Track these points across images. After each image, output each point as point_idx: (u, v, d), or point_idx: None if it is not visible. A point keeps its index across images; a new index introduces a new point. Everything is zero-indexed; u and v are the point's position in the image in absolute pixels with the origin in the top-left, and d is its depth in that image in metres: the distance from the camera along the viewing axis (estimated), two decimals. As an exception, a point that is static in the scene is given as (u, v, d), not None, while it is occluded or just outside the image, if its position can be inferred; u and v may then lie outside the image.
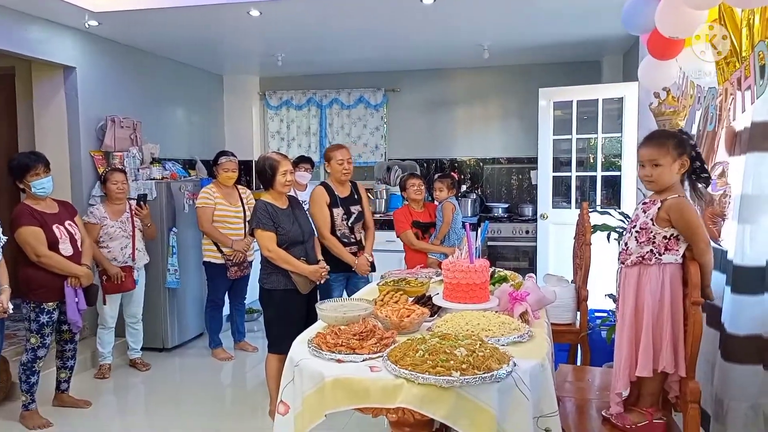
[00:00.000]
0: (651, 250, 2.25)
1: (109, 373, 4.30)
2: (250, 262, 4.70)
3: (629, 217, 3.37)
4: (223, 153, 4.70)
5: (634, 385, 2.39)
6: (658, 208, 2.24)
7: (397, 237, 4.29)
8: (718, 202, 2.58)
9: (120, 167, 4.55)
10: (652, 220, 2.25)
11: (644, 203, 2.34)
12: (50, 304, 3.46)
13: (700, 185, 2.30)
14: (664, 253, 2.24)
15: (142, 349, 4.58)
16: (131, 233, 4.23)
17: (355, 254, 3.81)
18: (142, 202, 4.34)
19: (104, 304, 4.17)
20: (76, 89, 4.67)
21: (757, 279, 2.30)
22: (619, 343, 2.36)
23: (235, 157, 4.72)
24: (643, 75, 3.03)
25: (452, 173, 4.86)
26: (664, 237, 2.24)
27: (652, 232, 2.25)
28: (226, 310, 4.86)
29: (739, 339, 2.32)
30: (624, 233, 2.49)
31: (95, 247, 4.01)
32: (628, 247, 2.34)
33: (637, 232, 2.29)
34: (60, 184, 4.31)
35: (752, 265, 2.29)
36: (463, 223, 3.99)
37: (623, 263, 2.36)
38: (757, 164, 2.27)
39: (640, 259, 2.27)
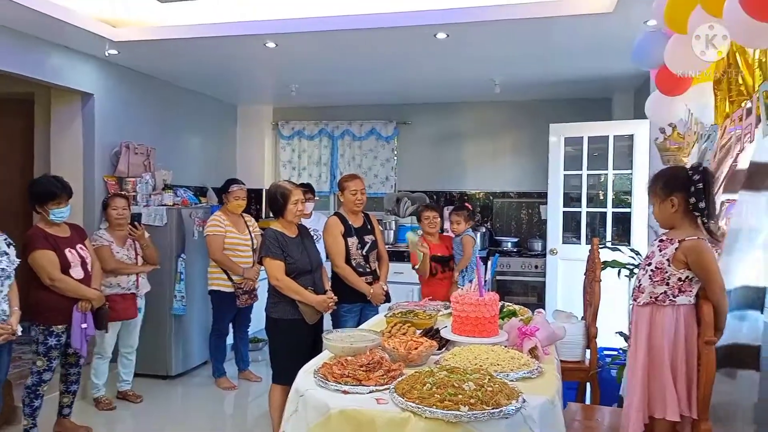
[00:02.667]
0: (665, 292, 2.23)
1: (113, 404, 4.19)
2: (256, 291, 4.68)
3: (640, 255, 3.34)
4: (233, 181, 4.72)
5: (647, 427, 2.33)
6: (675, 248, 2.21)
7: (413, 269, 4.24)
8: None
9: (121, 192, 4.52)
10: (668, 260, 2.22)
11: (660, 240, 2.31)
12: (59, 327, 3.45)
13: (705, 221, 2.28)
14: (678, 295, 2.21)
15: (146, 375, 4.52)
16: (135, 260, 4.19)
17: (370, 284, 3.78)
18: (136, 222, 4.25)
19: (106, 332, 3.98)
20: (93, 115, 4.75)
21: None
22: (631, 385, 2.31)
23: (244, 185, 4.75)
24: (651, 110, 3.05)
25: (466, 204, 4.78)
26: (679, 279, 2.21)
27: (667, 272, 2.22)
28: (230, 338, 4.83)
29: None
30: (638, 269, 2.47)
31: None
32: (641, 284, 2.31)
33: (652, 270, 2.27)
34: (73, 208, 4.33)
35: None
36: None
37: (635, 300, 2.33)
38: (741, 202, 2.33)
39: (654, 300, 2.25)
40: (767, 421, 2.49)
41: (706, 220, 2.26)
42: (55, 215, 3.44)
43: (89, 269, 3.60)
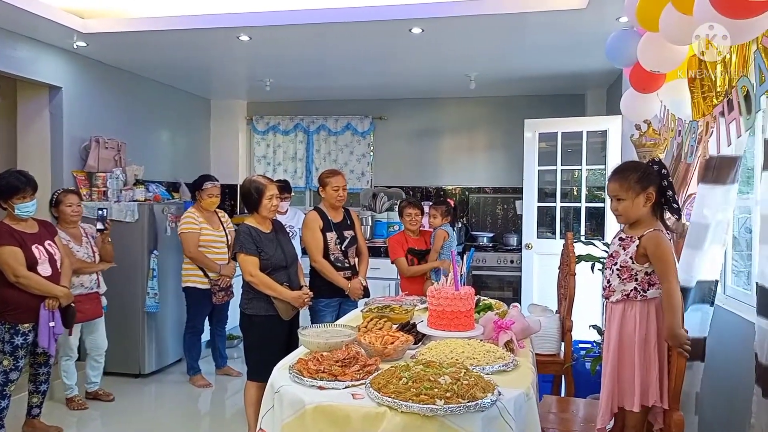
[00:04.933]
0: (635, 288, 2.26)
1: (87, 403, 4.09)
2: (232, 287, 4.62)
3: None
4: (207, 177, 4.62)
5: (618, 417, 2.37)
6: (636, 246, 2.24)
7: (392, 263, 4.25)
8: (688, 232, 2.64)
9: (72, 189, 4.33)
10: (631, 258, 2.25)
11: (621, 239, 2.34)
12: (26, 325, 3.37)
13: (671, 216, 2.32)
14: (648, 289, 2.25)
15: (118, 374, 4.43)
16: (93, 258, 4.05)
17: (349, 279, 3.76)
18: (109, 220, 4.20)
19: (69, 335, 3.84)
20: (62, 109, 4.64)
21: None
22: (602, 377, 2.36)
23: (218, 181, 4.68)
24: (625, 107, 3.08)
25: (448, 200, 4.77)
26: (646, 273, 2.25)
27: (633, 269, 2.26)
28: (205, 335, 4.76)
29: None
30: (604, 268, 2.50)
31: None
32: (610, 284, 2.33)
33: (618, 269, 2.30)
34: (40, 204, 4.23)
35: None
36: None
37: (607, 299, 2.36)
38: (704, 195, 2.43)
39: (625, 296, 2.28)
40: (708, 409, 2.65)
41: (676, 215, 2.29)
42: (21, 210, 3.35)
43: (58, 266, 3.52)
